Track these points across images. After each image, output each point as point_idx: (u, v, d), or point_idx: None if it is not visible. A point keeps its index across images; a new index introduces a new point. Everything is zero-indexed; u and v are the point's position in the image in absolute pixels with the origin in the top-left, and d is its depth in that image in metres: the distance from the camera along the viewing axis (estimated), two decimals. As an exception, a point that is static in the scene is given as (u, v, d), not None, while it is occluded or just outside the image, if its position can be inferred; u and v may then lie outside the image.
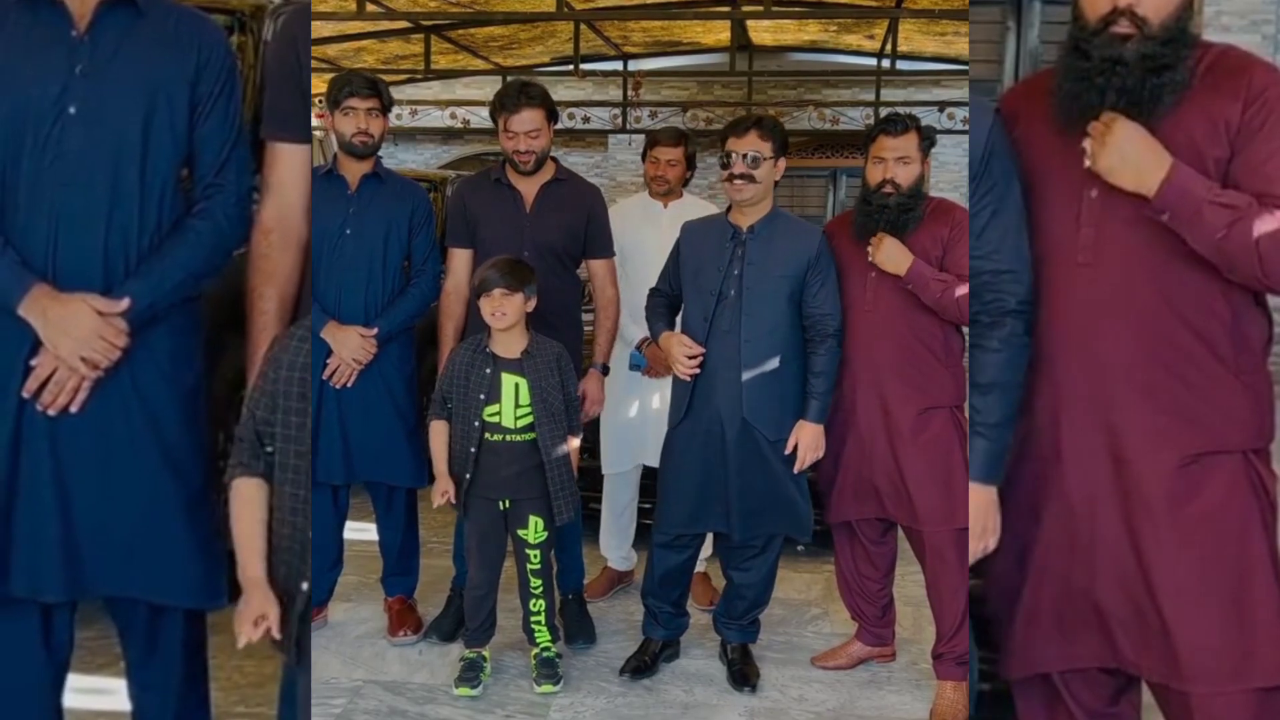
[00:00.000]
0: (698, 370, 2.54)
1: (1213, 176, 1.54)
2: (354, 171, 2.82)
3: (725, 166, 2.52)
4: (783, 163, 2.59)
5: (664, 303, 2.73)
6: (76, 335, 1.64)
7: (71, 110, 1.67)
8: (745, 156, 2.50)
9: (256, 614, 1.54)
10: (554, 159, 2.89)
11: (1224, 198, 1.51)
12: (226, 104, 1.80)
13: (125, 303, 1.68)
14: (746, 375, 2.51)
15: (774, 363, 2.52)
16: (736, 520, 2.56)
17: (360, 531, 3.57)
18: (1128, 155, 1.53)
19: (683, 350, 2.54)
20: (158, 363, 1.74)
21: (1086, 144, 1.57)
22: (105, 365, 1.67)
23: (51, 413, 1.66)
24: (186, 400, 1.79)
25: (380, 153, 2.89)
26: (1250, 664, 1.54)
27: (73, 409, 1.67)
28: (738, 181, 2.51)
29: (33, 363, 1.65)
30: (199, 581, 1.78)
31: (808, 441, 2.54)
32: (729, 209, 2.63)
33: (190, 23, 1.78)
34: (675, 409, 2.62)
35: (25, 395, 1.65)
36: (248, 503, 1.61)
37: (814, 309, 2.54)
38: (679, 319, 2.68)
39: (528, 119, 2.72)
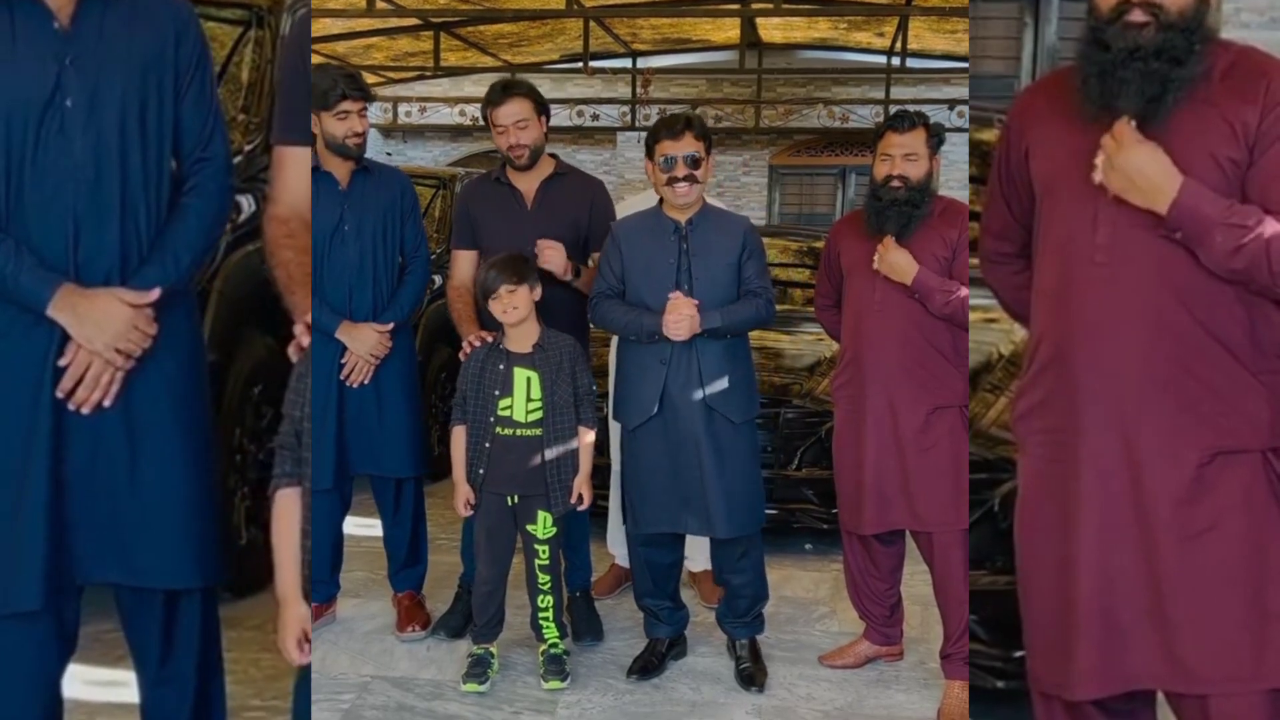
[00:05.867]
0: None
1: (1226, 176, 1.53)
2: (343, 169, 2.81)
3: (666, 170, 2.52)
4: (713, 158, 2.58)
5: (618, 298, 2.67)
6: (111, 329, 1.65)
7: (69, 103, 1.65)
8: (686, 158, 2.51)
9: (298, 632, 1.55)
10: (553, 155, 2.89)
11: (1235, 217, 1.50)
12: (204, 77, 1.78)
13: (155, 293, 1.69)
14: (705, 362, 2.54)
15: (728, 347, 2.57)
16: (714, 513, 2.55)
17: (368, 527, 3.58)
18: (1137, 175, 1.53)
19: (689, 308, 2.47)
20: (174, 348, 1.75)
21: (1098, 160, 1.56)
22: (137, 355, 1.69)
23: (85, 410, 1.66)
24: (200, 384, 1.81)
25: (389, 150, 2.91)
26: (1268, 664, 1.53)
27: (106, 403, 1.68)
28: (680, 186, 2.51)
29: (61, 363, 1.65)
30: (208, 564, 1.79)
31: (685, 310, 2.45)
32: (660, 203, 2.64)
33: (159, 1, 1.76)
34: (638, 408, 2.59)
35: (60, 395, 1.65)
36: (289, 514, 1.61)
37: (749, 287, 2.58)
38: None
39: (514, 110, 2.74)
